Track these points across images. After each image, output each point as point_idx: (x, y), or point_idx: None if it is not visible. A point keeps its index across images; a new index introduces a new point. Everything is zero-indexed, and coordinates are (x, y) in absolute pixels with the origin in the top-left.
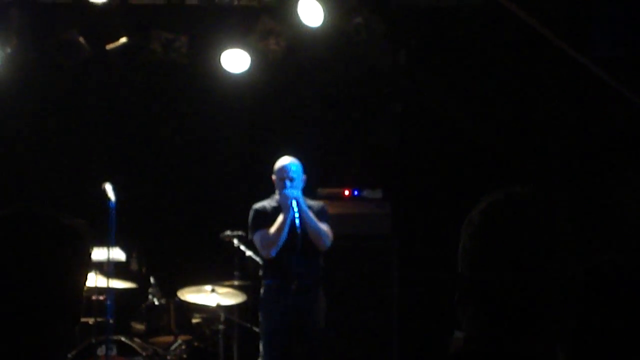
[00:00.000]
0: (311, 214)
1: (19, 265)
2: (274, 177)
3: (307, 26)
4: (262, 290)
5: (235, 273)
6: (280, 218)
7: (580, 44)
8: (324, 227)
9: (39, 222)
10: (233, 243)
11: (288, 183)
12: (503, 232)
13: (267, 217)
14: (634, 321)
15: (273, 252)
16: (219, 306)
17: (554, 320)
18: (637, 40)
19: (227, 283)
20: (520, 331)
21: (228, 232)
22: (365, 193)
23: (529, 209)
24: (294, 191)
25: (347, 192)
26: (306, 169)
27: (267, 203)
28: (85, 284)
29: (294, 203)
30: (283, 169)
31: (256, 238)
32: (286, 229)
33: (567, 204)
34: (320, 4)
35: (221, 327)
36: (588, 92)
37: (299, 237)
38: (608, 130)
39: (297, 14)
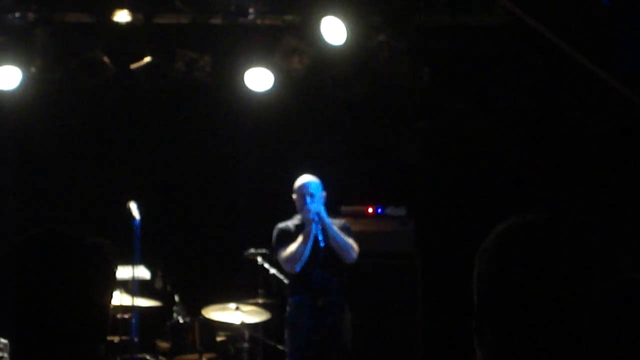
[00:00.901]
0: (335, 227)
1: (46, 286)
2: (294, 196)
3: (330, 44)
4: (288, 308)
5: (259, 291)
6: (303, 233)
7: (605, 60)
8: (349, 240)
9: (64, 243)
10: (257, 261)
11: (309, 199)
12: (517, 259)
13: (291, 235)
14: None
15: (297, 267)
16: (243, 324)
17: (574, 346)
18: None
19: (251, 301)
20: (539, 358)
21: (252, 250)
22: (388, 210)
23: (543, 235)
24: (316, 205)
25: (370, 210)
26: (326, 186)
27: (291, 222)
28: (110, 303)
29: (317, 217)
30: (302, 186)
31: (280, 254)
32: (310, 243)
33: (588, 228)
34: (343, 22)
35: (246, 345)
36: (613, 110)
37: (321, 251)
38: (634, 148)
39: (320, 33)
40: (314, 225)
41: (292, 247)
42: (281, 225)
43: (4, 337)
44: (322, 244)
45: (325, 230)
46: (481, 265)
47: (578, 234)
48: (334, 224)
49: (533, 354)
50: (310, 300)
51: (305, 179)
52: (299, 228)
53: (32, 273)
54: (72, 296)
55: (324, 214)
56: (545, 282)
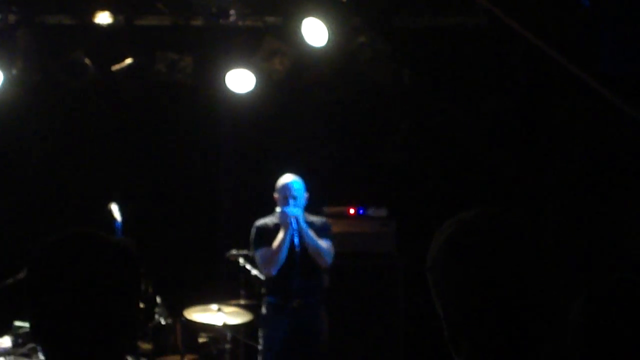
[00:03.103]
0: (311, 232)
1: (80, 289)
2: (275, 195)
3: (311, 46)
4: (263, 308)
5: (241, 292)
6: (280, 236)
7: (586, 61)
8: (324, 244)
9: (95, 244)
10: (239, 262)
11: (291, 201)
12: (468, 267)
13: (269, 234)
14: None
15: (273, 271)
16: (225, 325)
17: (554, 347)
18: None
19: (233, 302)
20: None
21: (234, 252)
22: (370, 211)
23: (483, 236)
24: (294, 209)
25: (352, 211)
26: (308, 187)
27: (269, 220)
28: (140, 303)
29: (294, 221)
30: (285, 186)
31: (257, 256)
32: (286, 248)
33: (544, 224)
34: (325, 24)
35: (228, 346)
36: (594, 111)
37: (297, 255)
38: (614, 149)
39: (302, 34)
40: (290, 230)
41: (268, 251)
42: (259, 223)
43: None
44: (297, 248)
45: (301, 234)
46: (435, 276)
47: (519, 226)
48: (314, 222)
49: (513, 356)
50: (286, 301)
51: (288, 178)
52: (278, 227)
53: (67, 275)
54: (109, 298)
55: (301, 218)
56: (502, 281)
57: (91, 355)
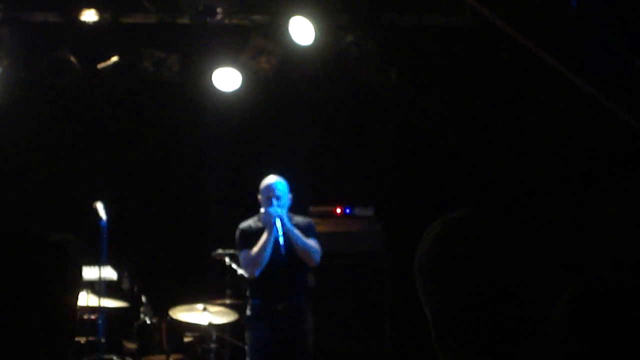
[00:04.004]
0: (297, 231)
1: (8, 285)
2: (259, 196)
3: (298, 44)
4: (248, 310)
5: (227, 292)
6: (263, 237)
7: (573, 61)
8: (311, 242)
9: (27, 241)
10: (224, 262)
11: (275, 201)
12: (456, 266)
13: (253, 236)
14: (625, 342)
15: (257, 272)
16: (210, 325)
17: (536, 343)
18: (630, 56)
19: (218, 302)
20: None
21: (220, 251)
22: (357, 211)
23: (470, 235)
24: (278, 209)
25: (338, 210)
26: (294, 187)
27: (253, 222)
28: (77, 302)
29: (278, 222)
30: (269, 187)
31: (240, 258)
32: (269, 249)
33: (519, 222)
34: (312, 22)
35: (213, 345)
36: (581, 110)
37: (282, 256)
38: (600, 147)
39: (288, 33)
40: (274, 230)
41: (252, 252)
42: (243, 225)
43: None
44: (282, 250)
45: (286, 234)
46: (423, 277)
47: (506, 227)
48: (299, 223)
49: (502, 355)
50: (270, 303)
51: (271, 179)
52: (262, 229)
53: None
54: (36, 295)
55: (285, 218)
56: (489, 280)
57: (17, 354)
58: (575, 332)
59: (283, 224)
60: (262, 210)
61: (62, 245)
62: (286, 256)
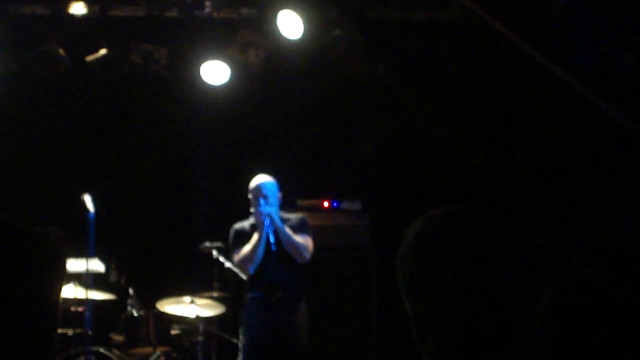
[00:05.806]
0: (287, 229)
1: None
2: (249, 195)
3: (286, 38)
4: (244, 304)
5: (214, 284)
6: (255, 236)
7: (560, 56)
8: (300, 239)
9: (8, 232)
10: (212, 254)
11: (262, 201)
12: (439, 264)
13: (247, 235)
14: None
15: (251, 270)
16: (197, 317)
17: (521, 342)
18: (618, 52)
19: (206, 294)
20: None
21: (207, 244)
22: (344, 205)
23: (454, 232)
24: (266, 208)
25: (326, 204)
26: (281, 180)
27: (247, 222)
28: (60, 293)
29: (268, 219)
30: (257, 187)
31: (234, 257)
32: (261, 247)
33: (500, 220)
34: (300, 16)
35: (200, 338)
36: (568, 106)
37: (274, 253)
38: (587, 143)
39: (277, 27)
40: (265, 228)
41: (244, 251)
42: (237, 226)
43: None
44: (273, 247)
45: (277, 232)
46: (405, 273)
47: (488, 223)
48: (290, 220)
49: (481, 354)
50: (264, 296)
51: (260, 179)
52: (255, 228)
53: None
54: (18, 286)
55: (276, 216)
56: (469, 277)
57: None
58: (558, 328)
59: (272, 222)
60: (252, 209)
61: (45, 236)
62: (278, 251)
